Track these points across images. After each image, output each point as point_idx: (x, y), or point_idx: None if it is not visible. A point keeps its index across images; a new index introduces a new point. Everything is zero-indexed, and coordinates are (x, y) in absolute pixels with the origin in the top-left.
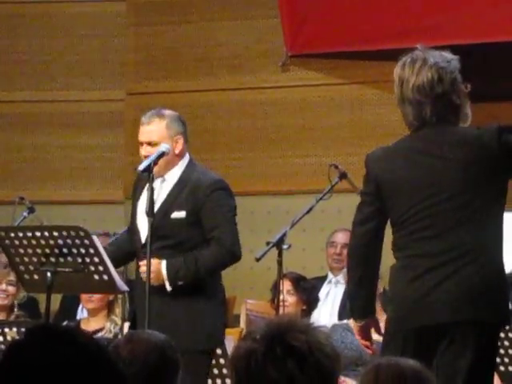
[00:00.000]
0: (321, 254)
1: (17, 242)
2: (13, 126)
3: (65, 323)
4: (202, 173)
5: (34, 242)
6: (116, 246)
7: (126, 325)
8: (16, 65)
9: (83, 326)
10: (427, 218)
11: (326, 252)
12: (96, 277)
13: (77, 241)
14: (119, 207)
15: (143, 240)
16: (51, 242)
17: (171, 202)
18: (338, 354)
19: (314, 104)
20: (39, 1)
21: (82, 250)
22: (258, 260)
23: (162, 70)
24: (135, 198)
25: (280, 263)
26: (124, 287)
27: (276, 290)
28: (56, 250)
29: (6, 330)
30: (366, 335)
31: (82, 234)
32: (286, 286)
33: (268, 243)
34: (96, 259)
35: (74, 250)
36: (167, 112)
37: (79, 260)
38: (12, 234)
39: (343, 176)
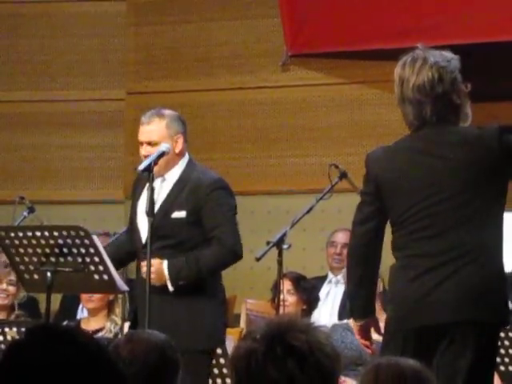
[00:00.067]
0: (321, 254)
1: (17, 242)
2: (13, 126)
3: (65, 323)
4: (201, 172)
5: (34, 241)
6: (116, 247)
7: (126, 325)
8: (16, 64)
9: (83, 326)
10: (427, 217)
11: (326, 252)
12: (96, 276)
13: (77, 240)
14: (119, 207)
15: (143, 240)
16: (51, 241)
17: (171, 202)
18: (338, 354)
19: (314, 104)
20: (39, 0)
21: (82, 250)
22: (258, 260)
23: (162, 69)
24: (135, 198)
25: (280, 263)
26: (124, 287)
27: (276, 289)
28: (56, 250)
29: (6, 329)
30: (365, 335)
31: (82, 233)
32: (286, 285)
33: (268, 243)
34: (96, 259)
35: (74, 250)
36: (167, 112)
37: (79, 260)
38: (12, 234)
39: (343, 176)
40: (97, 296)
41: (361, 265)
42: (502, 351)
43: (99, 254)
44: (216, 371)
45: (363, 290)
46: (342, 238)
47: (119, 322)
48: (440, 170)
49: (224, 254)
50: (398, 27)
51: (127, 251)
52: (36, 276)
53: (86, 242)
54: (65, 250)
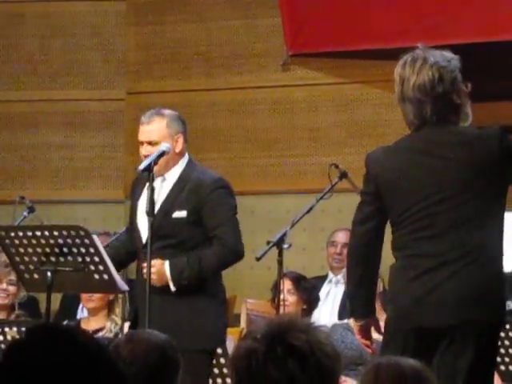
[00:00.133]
0: (321, 254)
1: (17, 242)
2: (13, 126)
3: (65, 323)
4: (201, 172)
5: (34, 241)
6: (116, 248)
7: (127, 324)
8: (16, 64)
9: (83, 326)
10: (427, 217)
11: (327, 251)
12: (96, 276)
13: (77, 240)
14: (119, 206)
15: (144, 240)
16: (51, 241)
17: (172, 202)
18: (338, 354)
19: (314, 103)
20: (39, 0)
21: (82, 250)
22: (258, 259)
23: (162, 69)
24: (134, 198)
25: (280, 263)
26: (124, 287)
27: (276, 289)
28: (56, 250)
29: (7, 329)
30: (366, 335)
31: (82, 233)
32: (287, 285)
33: (268, 243)
34: (96, 258)
35: (74, 250)
36: (167, 111)
37: (79, 259)
38: (12, 234)
39: (343, 175)
40: (97, 296)
41: (361, 265)
42: (503, 351)
43: (99, 254)
44: (216, 371)
45: (363, 289)
46: (342, 237)
47: (119, 321)
48: (440, 170)
49: (225, 254)
50: (398, 27)
51: (128, 252)
52: (36, 276)
53: (86, 241)
54: (65, 250)
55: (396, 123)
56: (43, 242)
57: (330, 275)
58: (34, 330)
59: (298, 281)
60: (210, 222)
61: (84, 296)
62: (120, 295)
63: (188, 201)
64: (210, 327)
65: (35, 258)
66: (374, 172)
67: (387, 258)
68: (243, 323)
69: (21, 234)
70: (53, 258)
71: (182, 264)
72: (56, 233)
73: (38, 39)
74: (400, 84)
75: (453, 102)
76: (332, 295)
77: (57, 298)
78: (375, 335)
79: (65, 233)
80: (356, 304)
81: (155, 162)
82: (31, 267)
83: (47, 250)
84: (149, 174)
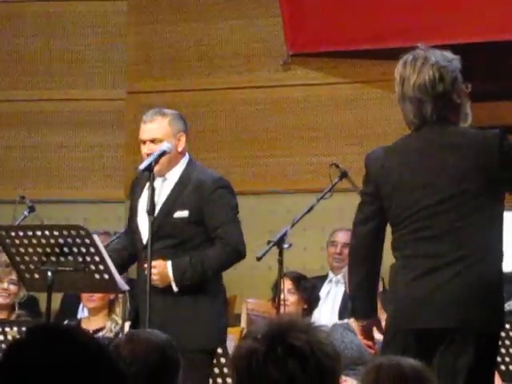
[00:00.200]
0: (321, 254)
1: (17, 241)
2: (13, 125)
3: (65, 322)
4: (202, 172)
5: (34, 241)
6: (118, 252)
7: (127, 324)
8: (16, 64)
9: (84, 326)
10: (427, 218)
11: (327, 251)
12: (97, 276)
13: (77, 240)
14: (120, 206)
15: (145, 240)
16: (52, 241)
17: (173, 202)
18: (338, 354)
19: (314, 103)
20: (39, 0)
21: (83, 249)
22: (258, 259)
23: (163, 68)
24: (134, 198)
25: (281, 262)
26: (125, 286)
27: (277, 289)
28: (57, 249)
29: (7, 329)
30: (368, 335)
31: (82, 233)
32: (287, 285)
33: (269, 242)
34: (97, 258)
35: (75, 249)
36: (169, 110)
37: (80, 259)
38: (13, 233)
39: (344, 175)
40: (97, 295)
41: (362, 265)
42: (503, 350)
43: (100, 254)
44: (217, 371)
45: (365, 290)
46: (342, 237)
47: (120, 321)
48: (440, 171)
49: (228, 254)
50: (398, 27)
51: (130, 254)
52: (37, 275)
53: (87, 241)
54: (65, 250)
55: (396, 123)
56: (44, 241)
57: (331, 275)
58: (35, 330)
59: (299, 280)
60: (212, 222)
61: (84, 296)
62: (120, 295)
63: (189, 201)
64: (210, 327)
65: (36, 258)
66: (373, 172)
67: (387, 257)
68: (243, 323)
69: (21, 233)
70: (53, 258)
71: (184, 264)
72: (56, 232)
73: (38, 39)
74: (400, 83)
75: (453, 102)
76: (332, 295)
77: (57, 298)
78: (377, 335)
79: (65, 232)
80: (357, 304)
81: (156, 161)
82: (32, 267)
83: (48, 249)
84: (149, 174)
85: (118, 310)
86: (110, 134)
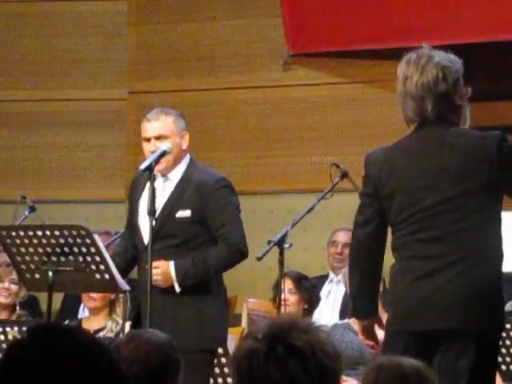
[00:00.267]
0: (322, 254)
1: (18, 241)
2: (14, 125)
3: (66, 322)
4: (204, 171)
5: (35, 241)
6: (120, 255)
7: (128, 324)
8: (17, 64)
9: (84, 326)
10: (427, 219)
11: (328, 251)
12: (97, 276)
13: (78, 240)
14: (121, 206)
15: (146, 241)
16: (53, 241)
17: (175, 201)
18: (339, 354)
19: (315, 103)
20: (40, 0)
21: (84, 249)
22: (259, 259)
23: (164, 69)
24: (135, 198)
25: (281, 262)
26: (125, 286)
27: (277, 289)
28: (57, 249)
29: (8, 329)
30: (369, 334)
31: (83, 232)
32: (288, 285)
33: (269, 242)
34: (97, 258)
35: (76, 249)
36: (171, 110)
37: (80, 259)
38: (13, 233)
39: (345, 175)
40: (98, 295)
41: (362, 266)
42: (504, 351)
43: (100, 254)
44: (217, 371)
45: (365, 290)
46: (343, 237)
47: (120, 321)
48: (440, 172)
49: (230, 253)
50: (398, 27)
51: (133, 255)
52: (37, 275)
53: (88, 241)
54: (66, 250)
55: (397, 123)
56: (44, 241)
57: (331, 275)
58: (35, 330)
59: (299, 280)
60: (214, 222)
61: (85, 296)
62: (121, 295)
63: (191, 200)
64: (211, 327)
65: (36, 258)
66: (373, 173)
67: (387, 258)
68: (244, 323)
69: (22, 233)
70: (54, 258)
71: (187, 264)
72: (57, 232)
73: (40, 38)
74: (403, 81)
75: (454, 103)
76: (333, 295)
77: (58, 298)
78: (379, 335)
79: (66, 232)
80: (358, 304)
81: (156, 161)
82: (32, 267)
83: (48, 249)
84: (150, 174)
85: (119, 310)
86: (111, 134)
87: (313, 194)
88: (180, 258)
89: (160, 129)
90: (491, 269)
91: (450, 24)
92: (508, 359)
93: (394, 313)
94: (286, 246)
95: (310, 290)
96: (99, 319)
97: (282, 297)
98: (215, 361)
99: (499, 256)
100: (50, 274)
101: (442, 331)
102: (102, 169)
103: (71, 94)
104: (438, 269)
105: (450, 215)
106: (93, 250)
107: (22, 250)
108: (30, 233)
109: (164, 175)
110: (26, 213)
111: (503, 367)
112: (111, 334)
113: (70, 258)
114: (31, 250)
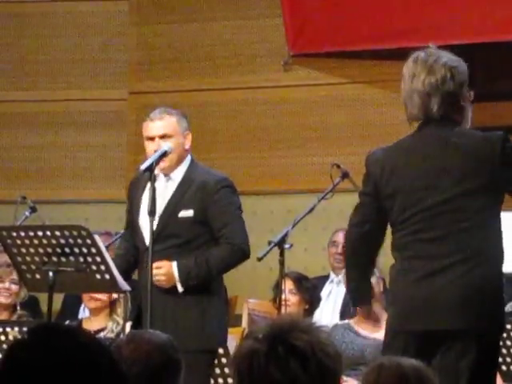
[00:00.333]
0: (323, 254)
1: (19, 242)
2: (15, 126)
3: (67, 323)
4: (205, 172)
5: (35, 241)
6: (122, 258)
7: (128, 324)
8: (18, 64)
9: (85, 326)
10: (428, 219)
11: (328, 251)
12: (98, 276)
13: (79, 240)
14: (121, 206)
15: (147, 241)
16: (53, 241)
17: (177, 201)
18: (339, 354)
19: (316, 103)
20: (41, 0)
21: (84, 250)
22: (259, 259)
23: (165, 69)
24: (135, 199)
25: (282, 263)
26: (126, 286)
27: (278, 289)
28: (58, 250)
29: (8, 329)
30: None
31: (83, 233)
32: (288, 285)
33: (270, 243)
34: (98, 258)
35: (76, 250)
36: (173, 110)
37: (81, 259)
38: (14, 234)
39: (345, 175)
40: (99, 296)
41: (358, 263)
42: (504, 351)
43: (101, 254)
44: (218, 371)
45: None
46: (343, 237)
47: (121, 321)
48: (442, 172)
49: (233, 253)
50: (398, 27)
51: (134, 257)
52: (38, 276)
53: (88, 241)
54: (67, 250)
55: (397, 123)
56: (45, 242)
57: (332, 275)
58: (36, 330)
59: (300, 281)
60: (217, 222)
61: (86, 296)
62: (122, 295)
63: (193, 200)
64: (211, 327)
65: (37, 258)
66: (373, 173)
67: (388, 257)
68: (245, 323)
69: (22, 234)
70: (54, 258)
71: (189, 265)
72: (58, 233)
73: (40, 38)
74: (410, 79)
75: (459, 103)
76: (334, 295)
77: (58, 298)
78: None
79: (66, 233)
80: (356, 295)
81: (157, 162)
82: (33, 267)
83: (49, 250)
84: (150, 174)
85: (120, 310)
86: (111, 134)
87: (313, 195)
88: (182, 258)
89: (164, 128)
90: (492, 269)
91: (451, 24)
92: (508, 359)
93: (394, 313)
94: (287, 246)
95: (310, 290)
96: (100, 319)
97: (283, 297)
98: (216, 361)
99: (500, 256)
100: (51, 274)
101: (443, 331)
102: (103, 169)
103: (71, 94)
104: (439, 269)
105: (451, 215)
106: (93, 250)
107: (23, 250)
108: (31, 233)
109: (166, 175)
110: (27, 213)
111: (504, 368)
112: (112, 335)
113: (71, 258)
114: (32, 250)
